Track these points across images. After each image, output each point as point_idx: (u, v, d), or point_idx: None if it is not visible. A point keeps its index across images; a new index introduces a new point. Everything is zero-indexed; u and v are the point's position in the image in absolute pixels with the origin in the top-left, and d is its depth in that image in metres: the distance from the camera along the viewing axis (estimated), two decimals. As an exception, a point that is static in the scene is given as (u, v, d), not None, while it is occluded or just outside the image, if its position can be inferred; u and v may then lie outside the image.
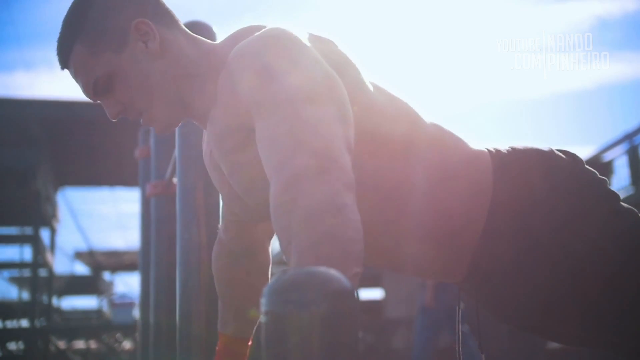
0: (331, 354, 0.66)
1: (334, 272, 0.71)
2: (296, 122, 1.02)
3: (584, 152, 8.43)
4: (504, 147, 1.29)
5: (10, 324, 9.02)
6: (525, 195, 1.22)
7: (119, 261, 14.23)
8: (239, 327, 1.50)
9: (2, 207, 8.76)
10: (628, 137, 7.75)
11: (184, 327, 1.67)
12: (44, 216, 9.19)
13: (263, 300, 0.70)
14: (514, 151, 1.27)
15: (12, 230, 10.39)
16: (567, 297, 1.21)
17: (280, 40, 1.12)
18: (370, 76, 1.22)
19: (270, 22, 1.21)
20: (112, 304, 8.89)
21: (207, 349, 1.62)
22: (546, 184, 1.23)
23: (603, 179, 1.28)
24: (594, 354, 5.08)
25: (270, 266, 1.51)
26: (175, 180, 1.97)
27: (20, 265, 10.09)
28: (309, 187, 0.96)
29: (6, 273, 12.05)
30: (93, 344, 8.74)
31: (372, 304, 11.19)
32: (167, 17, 1.25)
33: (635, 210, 1.27)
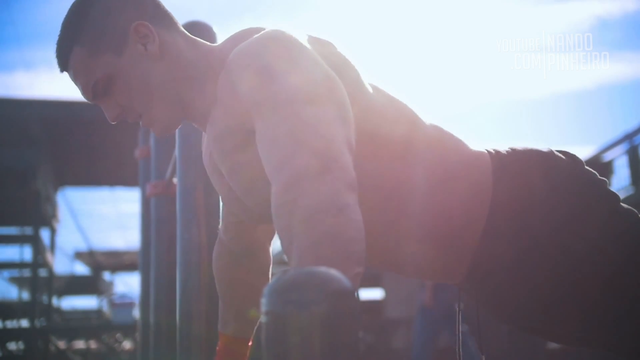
0: (331, 354, 0.66)
1: (334, 272, 0.71)
2: (296, 122, 1.02)
3: (584, 152, 8.43)
4: (503, 148, 1.29)
5: (10, 324, 9.00)
6: (525, 195, 1.22)
7: (119, 261, 14.21)
8: (239, 327, 1.50)
9: (2, 207, 8.75)
10: (628, 137, 7.74)
11: (184, 327, 1.66)
12: (44, 216, 9.17)
13: (263, 300, 0.70)
14: (513, 152, 1.27)
15: (12, 230, 10.36)
16: (567, 298, 1.22)
17: (280, 42, 1.12)
18: (370, 78, 1.22)
19: (270, 23, 1.21)
20: (112, 304, 8.87)
21: (207, 349, 1.62)
22: (546, 184, 1.23)
23: (603, 179, 1.28)
24: (594, 354, 5.08)
25: (271, 266, 1.52)
26: (175, 180, 1.97)
27: (20, 265, 10.06)
28: (309, 187, 0.96)
29: (6, 273, 12.03)
30: (93, 344, 8.73)
31: (372, 304, 11.17)
32: (166, 19, 1.25)
33: (635, 210, 1.27)
